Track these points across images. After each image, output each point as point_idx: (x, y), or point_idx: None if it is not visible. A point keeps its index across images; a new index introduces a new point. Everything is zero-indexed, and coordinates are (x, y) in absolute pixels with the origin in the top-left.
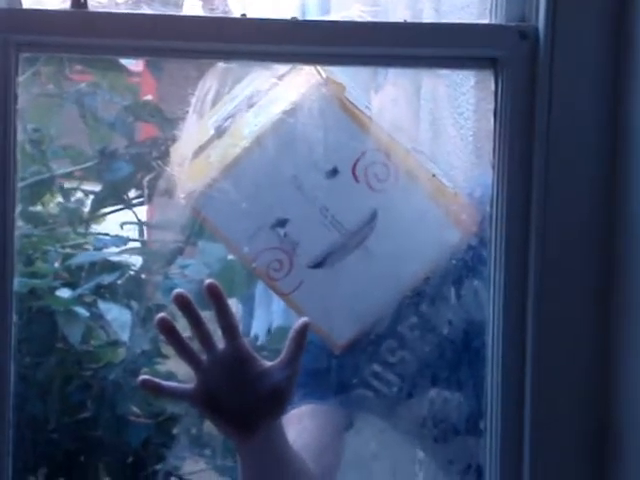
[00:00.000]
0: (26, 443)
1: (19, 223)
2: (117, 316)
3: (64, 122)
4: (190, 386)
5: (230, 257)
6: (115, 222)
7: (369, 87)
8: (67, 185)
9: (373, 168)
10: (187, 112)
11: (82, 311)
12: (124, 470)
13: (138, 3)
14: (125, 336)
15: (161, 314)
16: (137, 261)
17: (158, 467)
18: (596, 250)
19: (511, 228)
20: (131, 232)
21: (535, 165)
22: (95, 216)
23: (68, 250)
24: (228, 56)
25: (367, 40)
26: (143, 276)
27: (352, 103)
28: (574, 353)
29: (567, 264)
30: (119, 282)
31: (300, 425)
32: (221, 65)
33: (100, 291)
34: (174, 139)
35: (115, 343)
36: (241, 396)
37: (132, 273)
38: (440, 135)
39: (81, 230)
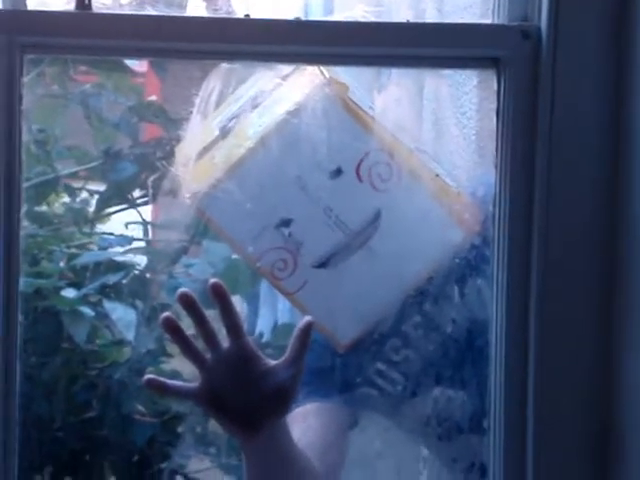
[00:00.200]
0: (32, 442)
1: (24, 223)
2: (122, 315)
3: (69, 123)
4: (195, 385)
5: (234, 256)
6: (120, 222)
7: (372, 87)
8: (72, 185)
9: (377, 168)
10: (191, 112)
11: (87, 311)
12: (129, 469)
13: (142, 4)
14: (130, 335)
15: (166, 313)
16: (142, 261)
17: (163, 466)
18: (598, 249)
19: (514, 227)
20: (136, 232)
21: (538, 164)
22: (100, 216)
23: (73, 250)
24: (232, 57)
25: (370, 40)
26: (148, 275)
27: (355, 103)
28: (577, 352)
29: (569, 263)
30: (124, 282)
31: (305, 423)
32: (225, 66)
33: (105, 291)
34: (178, 139)
35: (120, 342)
36: (246, 395)
37: (137, 272)
38: (443, 135)
39: (86, 230)
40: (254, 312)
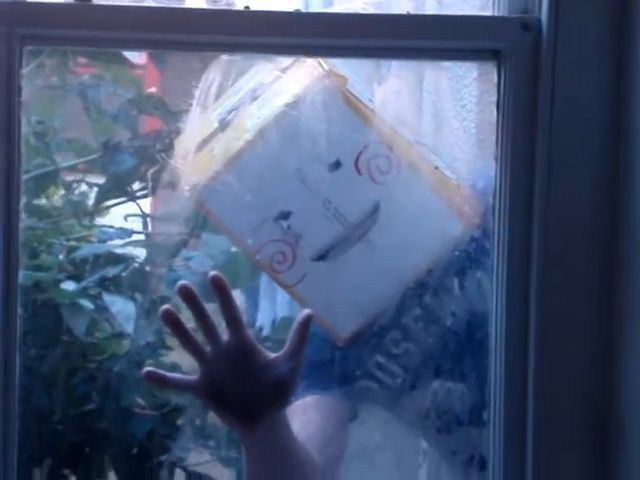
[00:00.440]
0: (31, 435)
1: (23, 216)
2: (122, 308)
3: (68, 115)
4: (194, 377)
5: (234, 249)
6: (119, 214)
7: (372, 79)
8: (71, 178)
9: (375, 161)
10: (191, 105)
11: (87, 303)
12: (129, 461)
13: None
14: (130, 328)
15: (165, 306)
16: (141, 253)
17: (163, 458)
18: (599, 241)
19: (514, 220)
20: (135, 224)
21: (538, 157)
22: (99, 209)
23: (72, 243)
24: (232, 48)
25: (370, 32)
26: (147, 268)
27: (354, 96)
28: (577, 345)
29: (570, 255)
30: (123, 274)
31: (304, 416)
32: (225, 57)
33: (105, 283)
34: (178, 132)
35: (120, 335)
36: (245, 387)
37: (136, 265)
38: (443, 127)
39: (85, 223)
40: (254, 305)
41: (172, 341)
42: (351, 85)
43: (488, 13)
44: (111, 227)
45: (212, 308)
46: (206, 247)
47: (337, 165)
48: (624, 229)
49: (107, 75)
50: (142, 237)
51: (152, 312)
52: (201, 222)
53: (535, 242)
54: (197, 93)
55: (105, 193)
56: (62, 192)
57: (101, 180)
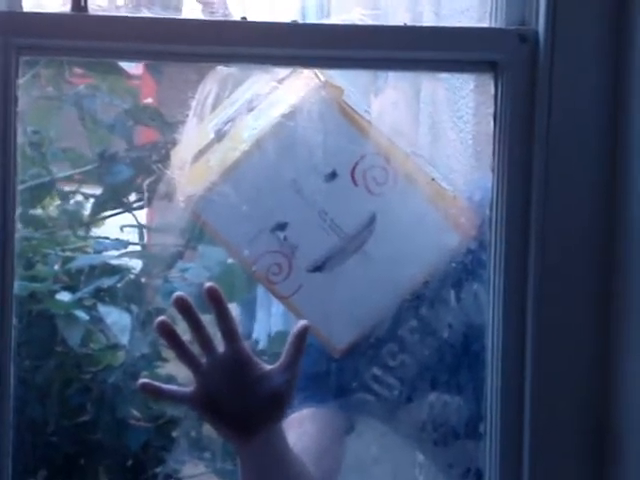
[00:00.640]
0: (26, 446)
1: (19, 226)
2: (117, 319)
3: (64, 125)
4: (190, 389)
5: (230, 261)
6: (115, 225)
7: (369, 90)
8: (67, 188)
9: (372, 172)
10: (187, 115)
11: (82, 314)
12: (124, 473)
13: (138, 6)
14: (125, 339)
15: (161, 317)
16: (137, 264)
17: (158, 470)
18: (596, 254)
19: (511, 232)
20: (131, 235)
21: (535, 169)
22: (95, 219)
23: (68, 253)
24: (228, 59)
25: (367, 43)
26: (143, 279)
27: (350, 107)
28: (574, 357)
29: (567, 267)
30: (119, 285)
31: (300, 429)
32: (221, 68)
33: (100, 294)
34: (174, 143)
35: (115, 346)
36: (241, 399)
37: (132, 276)
38: (440, 139)
39: (81, 233)
40: (251, 317)
41: (167, 353)
42: (347, 96)
43: (485, 25)
44: (107, 238)
45: (208, 319)
46: (202, 258)
47: (333, 176)
48: (621, 241)
49: (103, 85)
50: (138, 248)
51: (147, 323)
52: (197, 233)
53: (532, 254)
54: (193, 104)
55: (101, 204)
56: (58, 202)
57: (97, 191)
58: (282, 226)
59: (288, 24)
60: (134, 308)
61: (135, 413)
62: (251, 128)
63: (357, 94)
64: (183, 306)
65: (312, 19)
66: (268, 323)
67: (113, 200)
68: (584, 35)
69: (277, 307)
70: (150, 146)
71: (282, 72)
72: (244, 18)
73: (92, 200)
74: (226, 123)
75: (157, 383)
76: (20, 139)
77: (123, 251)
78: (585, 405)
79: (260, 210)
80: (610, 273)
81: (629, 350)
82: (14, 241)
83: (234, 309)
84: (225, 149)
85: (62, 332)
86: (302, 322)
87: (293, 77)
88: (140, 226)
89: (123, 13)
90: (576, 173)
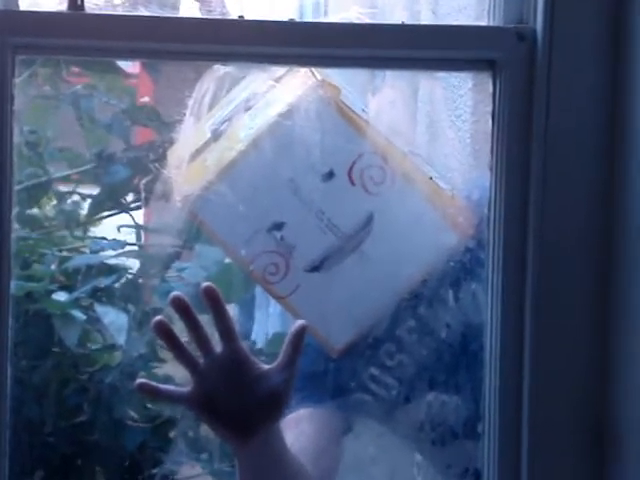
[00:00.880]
0: (23, 446)
1: (16, 226)
2: (114, 319)
3: (61, 124)
4: (187, 389)
5: (227, 260)
6: (112, 225)
7: (366, 89)
8: (64, 188)
9: (369, 171)
10: (184, 115)
11: (79, 314)
12: (121, 474)
13: (135, 5)
14: (122, 339)
15: (158, 317)
16: (134, 264)
17: (155, 471)
18: (594, 253)
19: (509, 230)
20: (128, 235)
21: (533, 167)
22: (92, 219)
23: (65, 253)
24: (225, 58)
25: (365, 42)
26: (140, 279)
27: (348, 106)
28: (572, 356)
29: (565, 266)
30: (116, 285)
31: (298, 429)
32: (218, 67)
33: (97, 294)
34: (171, 142)
35: (112, 346)
36: (238, 399)
37: (129, 276)
38: (437, 137)
39: (78, 233)
40: (249, 317)
41: (165, 353)
42: (345, 95)
43: (483, 23)
44: (104, 238)
45: (205, 319)
46: (199, 258)
47: (330, 175)
48: (619, 239)
49: (100, 85)
50: (135, 248)
51: (144, 323)
52: (194, 233)
53: (530, 253)
54: (190, 103)
55: (98, 204)
56: (55, 202)
57: (94, 191)
58: (279, 226)
59: (285, 23)
60: (131, 308)
61: (132, 413)
62: (248, 127)
63: (354, 93)
64: (180, 306)
65: (309, 18)
66: (266, 323)
67: (110, 200)
68: (582, 33)
69: (275, 307)
70: (147, 146)
71: (279, 71)
72: (241, 17)
73: (89, 200)
74: (223, 122)
75: (154, 383)
76: (17, 139)
77: (120, 251)
78: (583, 405)
79: (257, 210)
80: (608, 272)
81: (627, 350)
82: (11, 241)
83: (232, 309)
84: (222, 148)
85: (59, 332)
86: (300, 322)
87: (290, 76)
88: (137, 226)
89: (120, 12)
90: (574, 172)
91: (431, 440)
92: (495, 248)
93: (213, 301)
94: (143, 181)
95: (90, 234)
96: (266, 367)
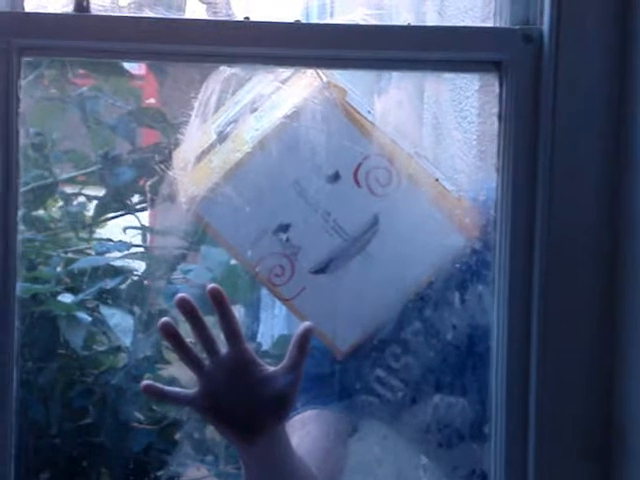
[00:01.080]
0: (28, 448)
1: (21, 228)
2: (119, 321)
3: (66, 126)
4: (193, 391)
5: (233, 262)
6: (118, 227)
7: (372, 91)
8: (69, 190)
9: (375, 173)
10: (190, 116)
11: (84, 316)
12: (126, 476)
13: (141, 6)
14: (127, 341)
15: (164, 318)
16: (140, 266)
17: (160, 473)
18: (601, 255)
19: (515, 232)
20: (134, 237)
21: (540, 168)
22: (98, 221)
23: (71, 255)
24: (231, 59)
25: (371, 43)
26: (146, 281)
27: (353, 107)
28: (579, 359)
29: (572, 268)
30: (122, 287)
31: (304, 430)
32: (224, 68)
33: (102, 296)
34: (177, 143)
35: (117, 348)
36: (244, 401)
37: (135, 278)
38: (444, 139)
39: (84, 235)
40: (255, 319)
41: (170, 355)
42: (350, 97)
43: (489, 24)
44: (109, 240)
45: (211, 321)
46: (205, 260)
47: (336, 177)
48: (627, 241)
49: (106, 86)
50: (141, 250)
51: (150, 325)
52: (200, 235)
53: (537, 255)
54: (196, 104)
55: (104, 206)
56: (60, 204)
57: (99, 192)
58: (285, 227)
59: (291, 24)
60: (137, 310)
61: (138, 415)
62: (254, 129)
63: (360, 94)
64: (186, 308)
65: (315, 19)
66: (272, 325)
67: (116, 202)
68: (589, 34)
69: (281, 309)
70: (153, 147)
71: (285, 72)
72: (247, 18)
73: (95, 202)
74: (229, 124)
75: (160, 385)
76: (22, 140)
77: (126, 253)
78: (590, 407)
79: (263, 211)
80: (616, 274)
81: (635, 352)
82: (16, 243)
83: (238, 311)
84: (228, 150)
85: (64, 334)
86: (306, 324)
87: (296, 77)
88: (143, 228)
89: (126, 13)
90: (581, 173)
91: (437, 442)
92: (501, 250)
93: (219, 303)
94: (149, 183)
95: (96, 236)
96: (272, 369)
